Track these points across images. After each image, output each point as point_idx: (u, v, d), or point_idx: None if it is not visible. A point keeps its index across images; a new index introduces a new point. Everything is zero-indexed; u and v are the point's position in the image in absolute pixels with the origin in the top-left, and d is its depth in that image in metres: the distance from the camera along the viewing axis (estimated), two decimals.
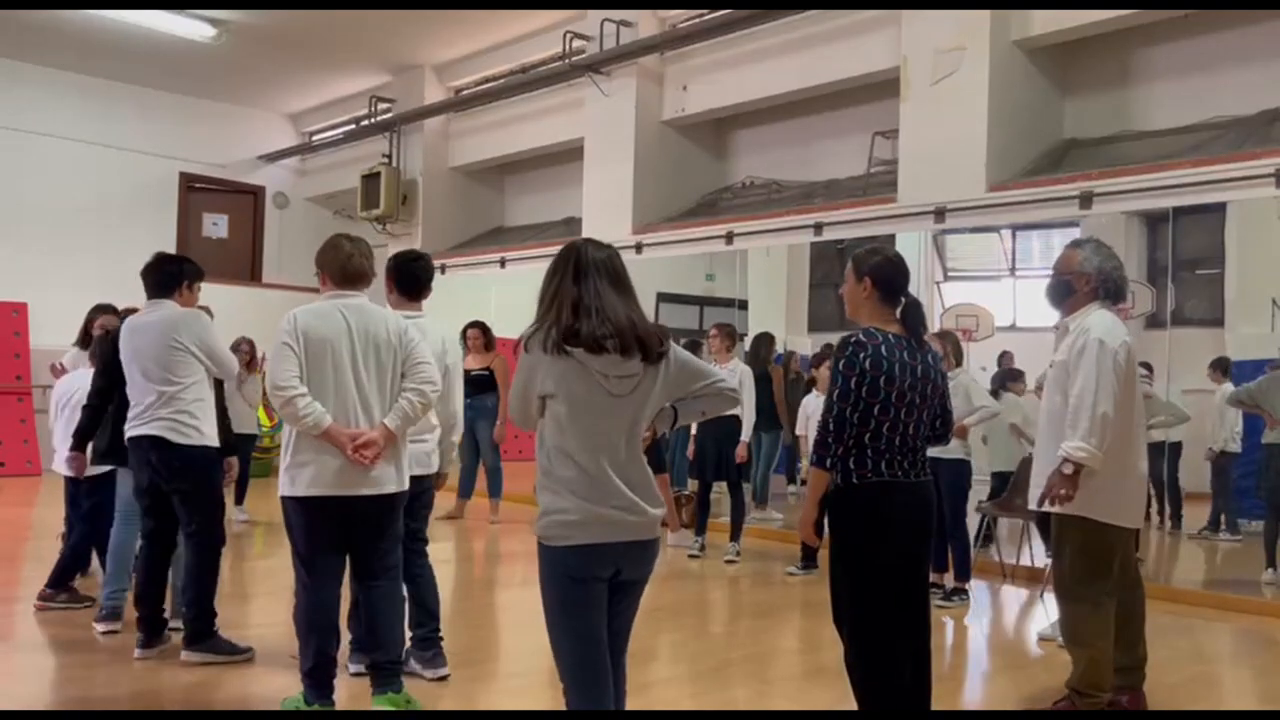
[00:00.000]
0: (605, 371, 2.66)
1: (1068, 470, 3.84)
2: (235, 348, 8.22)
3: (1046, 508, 3.98)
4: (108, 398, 4.86)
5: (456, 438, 4.54)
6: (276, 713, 3.85)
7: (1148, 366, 7.61)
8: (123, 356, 4.59)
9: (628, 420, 2.72)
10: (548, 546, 2.71)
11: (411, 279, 4.35)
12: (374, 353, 3.72)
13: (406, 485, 3.84)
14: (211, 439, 4.56)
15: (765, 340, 9.23)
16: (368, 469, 3.64)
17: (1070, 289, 4.10)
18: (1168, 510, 8.44)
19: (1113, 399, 3.81)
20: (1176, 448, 7.93)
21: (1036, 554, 7.24)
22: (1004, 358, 9.15)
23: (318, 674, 3.69)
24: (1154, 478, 7.60)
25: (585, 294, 2.68)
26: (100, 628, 4.88)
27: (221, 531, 4.67)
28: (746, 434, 7.49)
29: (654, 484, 2.78)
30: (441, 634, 4.37)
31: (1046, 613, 5.98)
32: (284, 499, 3.70)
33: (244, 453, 8.60)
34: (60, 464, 5.36)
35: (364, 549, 3.79)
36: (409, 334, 3.83)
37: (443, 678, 4.27)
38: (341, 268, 3.78)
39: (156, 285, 4.66)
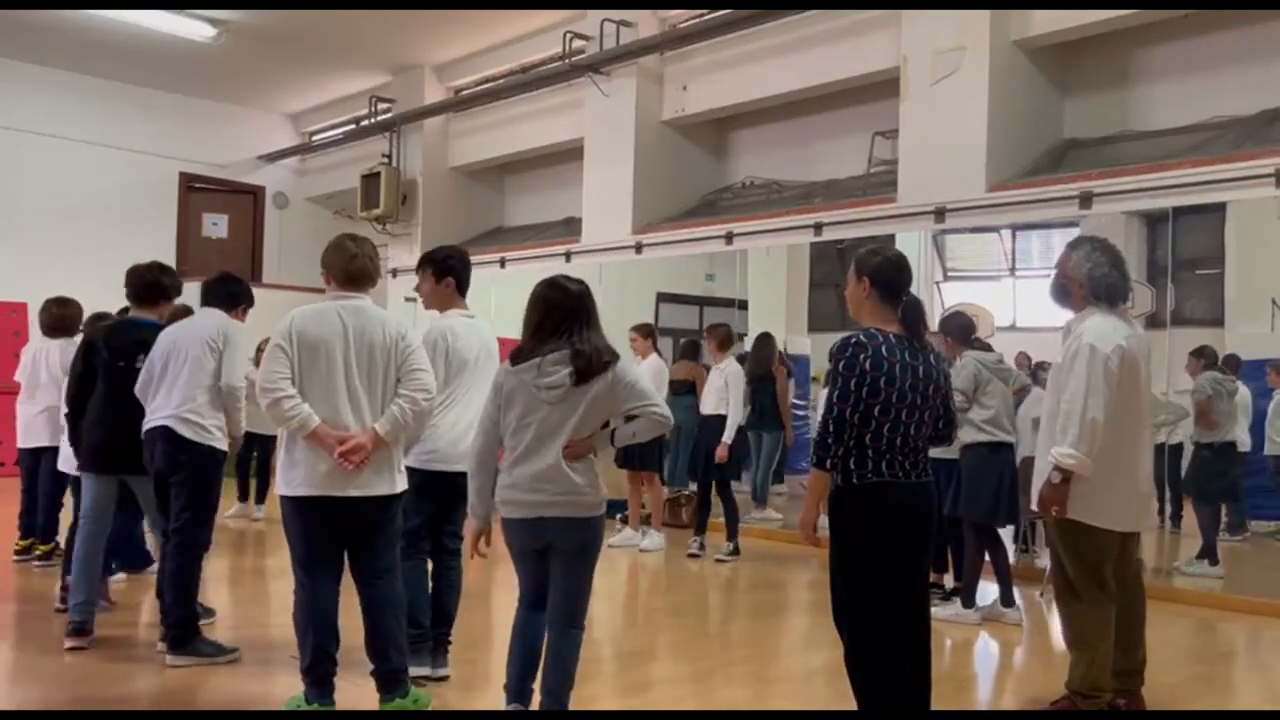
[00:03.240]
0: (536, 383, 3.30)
1: (1056, 479, 3.87)
2: (259, 349, 8.39)
3: (1043, 515, 4.00)
4: (81, 405, 4.86)
5: None
6: (277, 712, 3.85)
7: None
8: (155, 353, 4.58)
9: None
10: None
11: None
12: (368, 355, 3.70)
13: (399, 489, 3.79)
14: (220, 442, 4.58)
15: (767, 341, 9.23)
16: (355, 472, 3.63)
17: (1066, 292, 4.13)
18: (1169, 510, 8.44)
19: (1103, 405, 3.81)
20: (1178, 448, 7.92)
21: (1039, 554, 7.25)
22: (1020, 358, 9.12)
23: (315, 672, 3.69)
24: (1156, 478, 7.58)
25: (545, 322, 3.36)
26: (68, 643, 4.59)
27: (207, 536, 4.64)
28: (729, 435, 7.49)
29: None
30: (450, 638, 4.37)
31: (1047, 613, 5.97)
32: (280, 498, 3.74)
33: (264, 452, 8.64)
34: (66, 464, 5.41)
35: (358, 549, 3.78)
36: (407, 339, 3.78)
37: (443, 677, 4.27)
38: (344, 269, 3.78)
39: (215, 298, 4.80)
